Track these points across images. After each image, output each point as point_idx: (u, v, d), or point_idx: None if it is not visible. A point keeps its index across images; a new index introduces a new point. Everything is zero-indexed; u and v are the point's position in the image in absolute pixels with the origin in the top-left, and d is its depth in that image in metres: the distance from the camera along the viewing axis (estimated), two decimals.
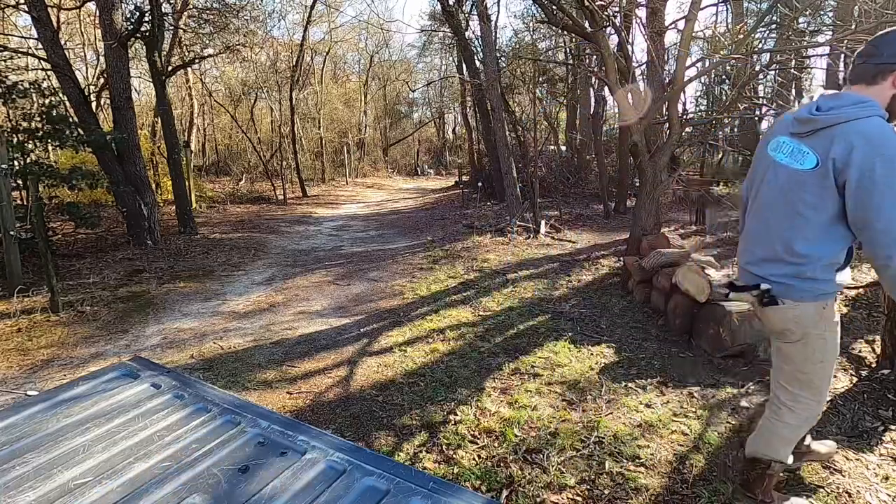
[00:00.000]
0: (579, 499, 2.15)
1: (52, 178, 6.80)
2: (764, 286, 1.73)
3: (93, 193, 9.96)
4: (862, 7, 4.33)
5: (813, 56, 8.96)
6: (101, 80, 12.85)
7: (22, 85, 6.99)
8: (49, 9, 7.61)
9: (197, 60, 11.46)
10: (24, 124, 6.93)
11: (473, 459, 2.43)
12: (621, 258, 5.89)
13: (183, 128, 17.24)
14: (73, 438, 1.12)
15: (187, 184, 9.89)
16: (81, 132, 7.28)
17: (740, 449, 2.12)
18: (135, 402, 1.28)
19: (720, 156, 12.44)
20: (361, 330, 4.35)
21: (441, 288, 5.53)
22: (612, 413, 2.81)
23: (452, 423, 2.77)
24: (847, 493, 2.11)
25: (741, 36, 4.77)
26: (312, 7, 16.22)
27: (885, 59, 1.53)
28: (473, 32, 13.05)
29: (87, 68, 15.36)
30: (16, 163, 6.44)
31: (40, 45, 7.59)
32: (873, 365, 3.18)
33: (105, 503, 0.92)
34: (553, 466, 2.34)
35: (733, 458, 2.31)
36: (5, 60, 8.01)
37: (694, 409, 2.81)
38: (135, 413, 1.23)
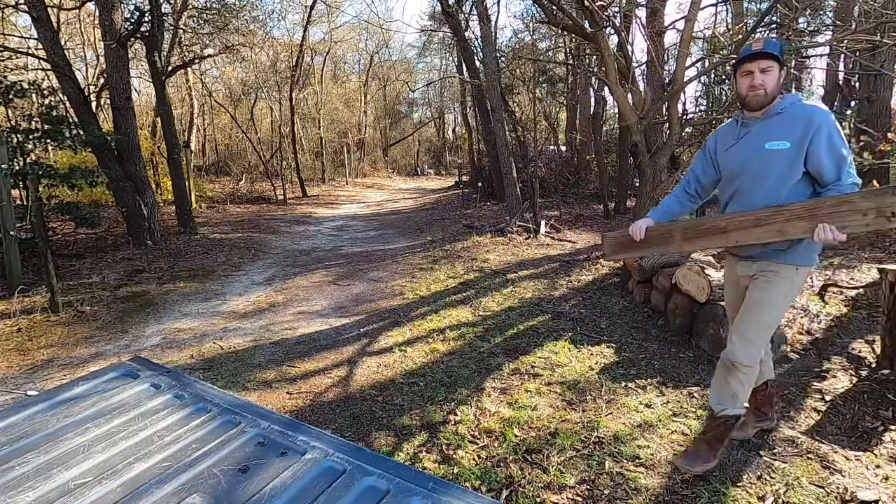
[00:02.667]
0: (579, 499, 2.15)
1: (51, 178, 6.80)
2: None
3: (93, 193, 9.97)
4: (862, 7, 4.33)
5: (813, 56, 8.98)
6: (101, 80, 12.85)
7: (20, 85, 6.98)
8: (49, 9, 7.61)
9: (197, 60, 11.46)
10: (24, 124, 6.93)
11: (473, 459, 2.43)
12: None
13: (183, 128, 17.23)
14: (73, 438, 1.12)
15: (187, 184, 9.89)
16: (81, 132, 7.28)
17: None
18: (135, 402, 1.28)
19: None
20: (361, 330, 4.35)
21: (441, 288, 5.53)
22: (611, 413, 2.81)
23: (452, 423, 2.77)
24: (847, 493, 2.11)
25: (741, 36, 4.77)
26: (312, 7, 16.22)
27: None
28: (473, 33, 13.06)
29: (87, 68, 15.36)
30: (15, 163, 6.44)
31: (40, 45, 7.59)
32: (873, 365, 3.18)
33: (105, 503, 0.92)
34: (553, 466, 2.34)
35: None
36: (3, 60, 8.01)
37: (694, 409, 2.81)
38: (135, 413, 1.22)
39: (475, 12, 11.37)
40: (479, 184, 13.37)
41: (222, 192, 14.55)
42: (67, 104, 7.67)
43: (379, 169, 25.76)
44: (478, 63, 12.12)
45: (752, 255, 1.99)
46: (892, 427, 2.55)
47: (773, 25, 5.77)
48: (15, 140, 6.66)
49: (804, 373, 3.20)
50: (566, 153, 14.92)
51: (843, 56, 7.24)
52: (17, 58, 9.80)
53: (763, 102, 1.90)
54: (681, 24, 5.16)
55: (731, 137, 2.04)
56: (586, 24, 5.75)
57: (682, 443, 2.50)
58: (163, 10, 8.71)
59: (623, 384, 3.14)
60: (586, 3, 4.85)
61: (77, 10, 11.54)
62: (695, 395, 2.98)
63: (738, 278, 2.10)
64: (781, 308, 1.99)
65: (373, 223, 10.97)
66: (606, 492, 2.17)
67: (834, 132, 1.86)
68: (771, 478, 2.22)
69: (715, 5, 9.31)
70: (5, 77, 7.15)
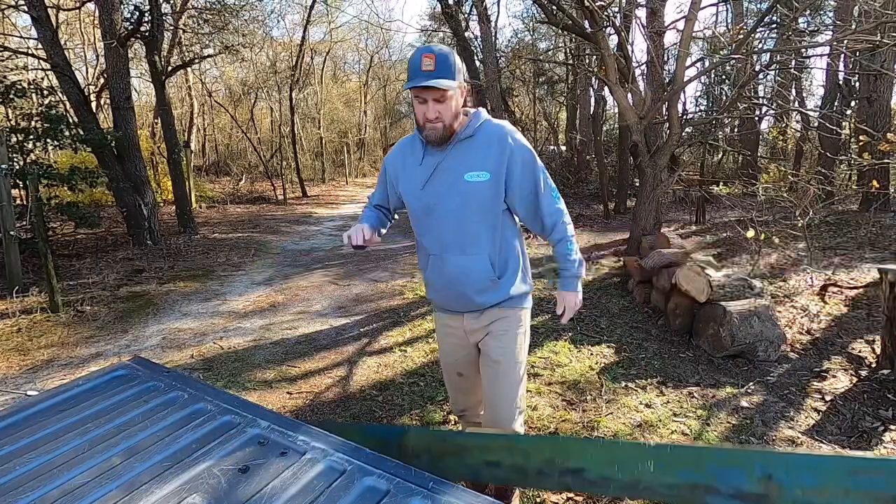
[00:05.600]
0: (579, 499, 2.15)
1: (51, 178, 6.80)
2: None
3: (93, 193, 9.97)
4: (861, 7, 4.33)
5: (813, 56, 8.99)
6: (101, 80, 12.85)
7: (20, 84, 6.98)
8: (49, 9, 7.61)
9: (196, 60, 11.46)
10: (24, 124, 6.92)
11: None
12: (621, 258, 5.89)
13: (183, 128, 17.23)
14: (73, 438, 1.12)
15: (187, 184, 9.89)
16: (81, 132, 7.28)
17: None
18: (135, 402, 1.28)
19: (720, 156, 12.45)
20: (361, 330, 4.35)
21: None
22: (611, 413, 2.81)
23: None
24: None
25: (741, 36, 4.77)
26: (312, 7, 16.22)
27: None
28: (473, 33, 13.06)
29: (87, 68, 15.36)
30: (15, 163, 6.44)
31: (40, 45, 7.59)
32: (873, 365, 3.18)
33: (105, 503, 0.92)
34: None
35: None
36: (3, 60, 8.00)
37: (694, 409, 2.82)
38: (135, 413, 1.22)
39: (475, 12, 11.36)
40: None
41: (222, 192, 14.55)
42: (67, 104, 7.67)
43: (379, 169, 25.75)
44: (478, 63, 12.12)
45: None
46: (892, 427, 2.55)
47: (773, 25, 5.78)
48: (15, 140, 6.66)
49: (804, 373, 3.20)
50: (566, 153, 14.92)
51: (843, 56, 7.25)
52: (17, 58, 9.80)
53: (444, 137, 1.56)
54: (681, 24, 5.16)
55: (414, 163, 1.67)
56: (586, 24, 5.75)
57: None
58: (163, 10, 8.70)
59: (623, 384, 3.14)
60: (586, 3, 4.85)
61: (77, 10, 11.54)
62: (695, 395, 2.98)
63: (468, 334, 1.76)
64: (525, 356, 1.79)
65: None
66: None
67: (528, 157, 1.63)
68: None
69: (715, 5, 9.33)
70: (5, 77, 7.15)
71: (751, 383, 3.08)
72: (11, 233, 5.23)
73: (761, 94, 10.32)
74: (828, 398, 2.87)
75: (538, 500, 2.14)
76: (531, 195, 1.65)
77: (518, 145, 1.61)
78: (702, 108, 12.48)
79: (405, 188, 1.72)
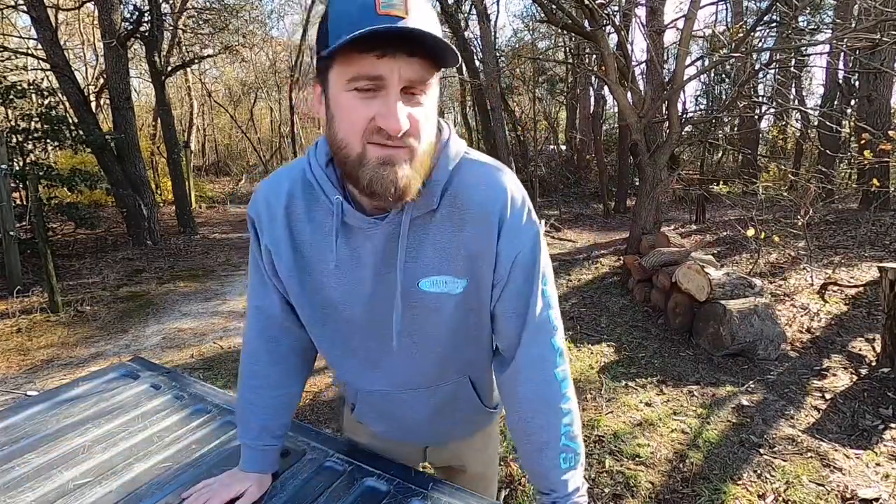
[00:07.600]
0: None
1: (51, 179, 6.80)
2: None
3: (92, 194, 9.96)
4: (861, 5, 4.33)
5: (812, 54, 8.98)
6: (101, 80, 12.85)
7: (20, 85, 6.98)
8: (49, 9, 7.61)
9: (196, 61, 11.45)
10: (24, 124, 6.92)
11: None
12: (621, 257, 5.89)
13: (183, 128, 17.23)
14: (73, 438, 1.12)
15: (187, 184, 9.88)
16: (81, 132, 7.28)
17: None
18: (134, 402, 1.28)
19: (720, 155, 12.45)
20: None
21: None
22: (612, 412, 2.81)
23: None
24: (847, 490, 2.12)
25: (741, 34, 4.77)
26: (312, 7, 16.20)
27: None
28: (473, 32, 13.05)
29: (86, 68, 15.35)
30: (15, 163, 6.44)
31: (40, 46, 7.58)
32: (873, 363, 3.18)
33: (105, 503, 0.92)
34: None
35: None
36: (3, 60, 8.00)
37: (694, 408, 2.82)
38: (135, 413, 1.22)
39: (475, 12, 11.36)
40: None
41: (222, 192, 14.55)
42: (67, 104, 7.67)
43: None
44: (477, 63, 12.12)
45: (444, 438, 1.11)
46: (893, 425, 2.55)
47: (773, 24, 5.77)
48: (15, 140, 6.66)
49: (804, 371, 3.21)
50: (566, 153, 14.92)
51: (842, 55, 7.25)
52: (17, 58, 9.80)
53: (406, 188, 0.69)
54: (680, 23, 5.16)
55: (321, 245, 0.86)
56: (586, 24, 5.75)
57: (682, 441, 2.50)
58: (162, 10, 8.70)
59: (623, 383, 3.14)
60: (586, 2, 4.84)
61: (77, 10, 11.53)
62: (695, 393, 2.98)
63: (426, 455, 1.15)
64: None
65: None
66: (606, 490, 2.17)
67: (539, 253, 0.84)
68: (771, 476, 2.22)
69: (715, 4, 9.31)
70: (5, 77, 7.15)
71: (751, 382, 3.08)
72: (11, 233, 5.23)
73: (761, 92, 10.33)
74: (828, 396, 2.87)
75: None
76: (515, 320, 0.88)
77: (522, 231, 0.82)
78: (702, 106, 12.47)
79: (300, 290, 0.91)
